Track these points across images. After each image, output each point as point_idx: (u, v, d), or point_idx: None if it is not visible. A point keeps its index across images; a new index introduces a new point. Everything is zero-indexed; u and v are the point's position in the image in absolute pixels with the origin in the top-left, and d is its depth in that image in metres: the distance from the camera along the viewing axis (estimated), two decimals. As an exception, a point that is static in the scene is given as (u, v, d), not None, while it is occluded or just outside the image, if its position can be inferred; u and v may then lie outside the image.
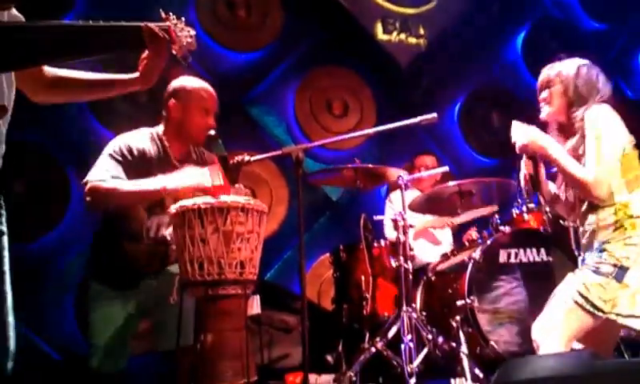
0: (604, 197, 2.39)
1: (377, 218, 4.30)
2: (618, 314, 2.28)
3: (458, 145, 6.08)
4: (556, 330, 2.33)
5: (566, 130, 2.55)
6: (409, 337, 3.44)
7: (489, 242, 3.70)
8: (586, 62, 2.59)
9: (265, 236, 2.42)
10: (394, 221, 3.79)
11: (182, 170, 2.61)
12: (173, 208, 2.31)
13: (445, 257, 4.06)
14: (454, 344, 3.51)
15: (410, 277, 3.64)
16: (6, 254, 1.85)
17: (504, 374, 1.75)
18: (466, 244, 4.09)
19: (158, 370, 2.90)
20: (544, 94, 2.61)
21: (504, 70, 6.30)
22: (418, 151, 4.97)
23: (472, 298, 3.55)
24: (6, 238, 1.86)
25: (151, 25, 2.03)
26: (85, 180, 2.59)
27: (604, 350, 2.48)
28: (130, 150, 2.67)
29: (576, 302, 2.32)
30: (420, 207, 4.08)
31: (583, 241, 2.51)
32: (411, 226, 3.82)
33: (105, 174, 2.58)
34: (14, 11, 1.88)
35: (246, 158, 2.76)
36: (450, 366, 3.48)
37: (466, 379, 3.30)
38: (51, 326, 4.37)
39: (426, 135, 5.76)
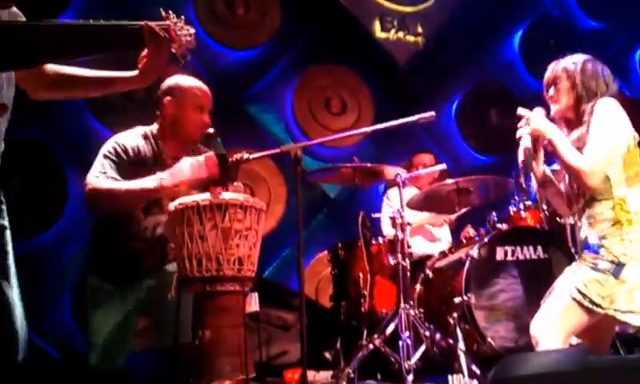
0: (596, 186, 2.39)
1: (375, 215, 4.31)
2: (616, 310, 2.29)
3: (455, 143, 6.09)
4: (554, 327, 2.34)
5: (573, 123, 2.55)
6: (406, 334, 3.45)
7: (486, 239, 3.71)
8: (589, 57, 2.59)
9: (263, 233, 2.43)
10: (392, 218, 3.80)
11: (179, 163, 2.62)
12: (171, 205, 2.32)
13: (442, 254, 4.07)
14: (451, 341, 3.52)
15: (408, 274, 3.65)
16: (10, 248, 1.87)
17: (501, 371, 1.76)
18: (464, 241, 4.11)
19: (156, 367, 2.90)
20: (551, 92, 2.60)
21: (502, 68, 6.32)
22: (416, 149, 4.99)
23: (469, 295, 3.56)
24: (8, 233, 1.88)
25: (151, 24, 2.04)
26: (84, 182, 2.61)
27: (601, 345, 2.50)
28: (125, 150, 2.68)
29: (574, 299, 2.33)
30: (418, 205, 4.09)
31: (580, 235, 2.52)
32: (409, 224, 3.83)
33: (102, 175, 2.60)
34: (15, 9, 1.89)
35: (245, 156, 2.76)
36: (448, 363, 3.49)
37: (464, 376, 3.31)
38: (49, 324, 4.37)
39: (424, 133, 5.77)
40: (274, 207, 5.19)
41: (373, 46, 5.81)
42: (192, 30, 2.12)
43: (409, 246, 3.76)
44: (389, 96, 5.83)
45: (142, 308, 2.71)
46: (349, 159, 3.76)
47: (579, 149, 2.45)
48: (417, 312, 3.60)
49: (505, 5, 6.22)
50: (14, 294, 1.84)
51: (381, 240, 4.11)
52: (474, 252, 3.64)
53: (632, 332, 3.29)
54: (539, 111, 2.59)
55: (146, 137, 2.78)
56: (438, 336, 3.54)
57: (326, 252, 4.47)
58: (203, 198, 2.27)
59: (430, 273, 4.01)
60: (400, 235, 3.68)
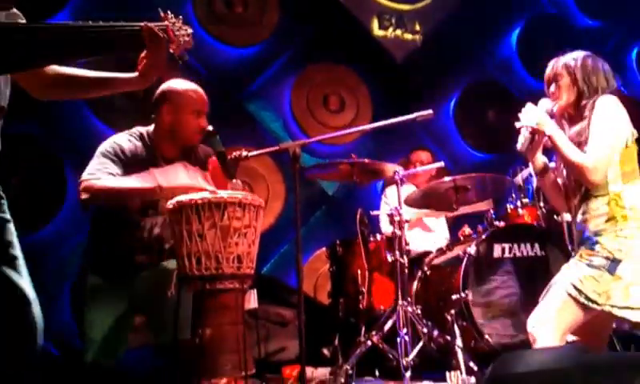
0: (598, 183, 2.41)
1: (373, 213, 4.33)
2: (613, 306, 2.30)
3: (453, 140, 6.11)
4: (551, 323, 2.35)
5: (575, 119, 2.56)
6: (404, 330, 3.46)
7: (484, 236, 3.73)
8: (590, 53, 2.61)
9: (261, 230, 2.44)
10: (390, 216, 3.82)
11: (174, 168, 2.62)
12: (170, 203, 2.33)
13: (440, 251, 4.09)
14: (448, 337, 3.54)
15: (406, 271, 3.67)
16: (15, 240, 1.89)
17: (498, 368, 1.78)
18: (461, 239, 4.12)
19: (154, 364, 2.91)
20: (552, 89, 2.61)
21: (499, 66, 6.33)
22: (414, 147, 5.00)
23: (467, 292, 3.58)
24: (11, 225, 1.90)
25: (150, 24, 2.05)
26: (80, 179, 2.62)
27: (598, 342, 2.51)
28: (122, 150, 2.68)
29: (570, 295, 2.34)
30: (415, 202, 4.11)
31: (576, 231, 2.53)
32: (407, 221, 3.84)
33: (98, 172, 2.60)
34: (14, 10, 1.90)
35: (244, 153, 2.77)
36: (445, 359, 3.50)
37: (461, 372, 3.33)
38: (49, 321, 4.36)
39: (422, 131, 5.79)
40: (272, 204, 5.21)
41: (371, 44, 5.83)
42: (190, 30, 2.13)
43: (407, 243, 3.78)
44: (387, 94, 5.84)
45: (139, 305, 2.71)
46: (347, 157, 3.77)
47: (579, 143, 2.46)
48: (415, 309, 3.62)
49: (502, 3, 6.24)
50: (26, 284, 1.86)
51: (379, 237, 4.13)
52: (472, 249, 3.66)
53: (628, 328, 3.30)
54: (544, 103, 2.60)
55: (142, 138, 2.78)
56: (435, 333, 3.55)
57: (324, 249, 4.49)
58: (202, 196, 2.29)
59: (427, 270, 4.03)
60: (398, 232, 3.70)
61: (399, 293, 3.57)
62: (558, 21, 6.36)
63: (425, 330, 3.54)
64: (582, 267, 2.37)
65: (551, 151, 2.63)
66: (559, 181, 2.65)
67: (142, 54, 2.14)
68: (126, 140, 2.74)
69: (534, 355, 1.98)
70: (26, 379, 1.88)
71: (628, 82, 6.40)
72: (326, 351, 4.03)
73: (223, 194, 2.30)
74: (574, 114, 2.57)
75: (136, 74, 2.18)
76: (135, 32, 2.02)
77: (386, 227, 4.43)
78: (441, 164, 4.36)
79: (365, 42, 5.81)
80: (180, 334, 2.37)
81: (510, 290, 3.62)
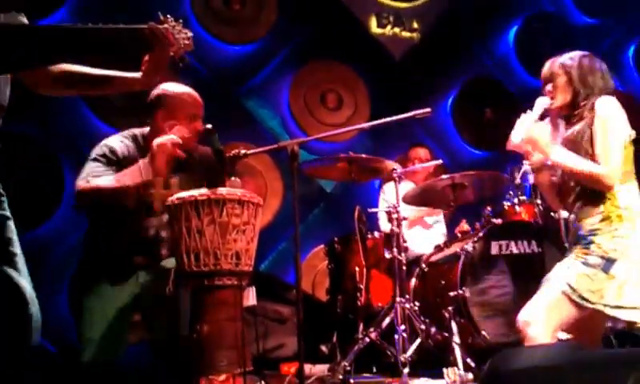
0: (614, 186, 2.42)
1: (371, 210, 4.34)
2: (605, 305, 2.31)
3: (451, 137, 6.12)
4: (542, 319, 2.35)
5: (572, 119, 2.55)
6: (402, 327, 3.48)
7: (481, 233, 3.74)
8: (586, 53, 2.61)
9: (259, 227, 2.45)
10: (388, 213, 3.83)
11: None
12: (169, 200, 2.34)
13: (438, 248, 4.10)
14: (446, 334, 3.55)
15: (404, 268, 3.68)
16: (15, 237, 1.91)
17: (495, 365, 1.79)
18: (459, 236, 4.14)
19: (152, 361, 2.92)
20: (548, 87, 2.60)
21: (497, 63, 6.34)
22: (412, 144, 5.01)
23: (464, 289, 3.59)
24: (11, 223, 1.91)
25: (153, 26, 2.06)
26: (74, 186, 2.63)
27: (592, 339, 2.51)
28: (114, 152, 2.68)
29: (563, 293, 2.34)
30: (413, 199, 4.12)
31: (572, 228, 2.54)
32: (405, 219, 3.85)
33: (89, 176, 2.60)
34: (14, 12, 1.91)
35: (242, 151, 2.77)
36: (443, 356, 3.52)
37: (458, 368, 3.34)
38: (46, 318, 4.37)
39: (420, 128, 5.80)
40: (270, 201, 5.21)
41: (369, 42, 5.84)
42: (190, 34, 2.15)
43: (404, 241, 3.79)
44: (385, 91, 5.85)
45: (137, 303, 2.71)
46: (345, 154, 3.78)
47: (579, 144, 2.46)
48: (412, 306, 3.63)
49: (499, 0, 6.24)
50: (25, 282, 1.87)
51: (377, 234, 4.14)
52: (469, 246, 3.68)
53: (621, 327, 3.32)
54: (541, 101, 2.60)
55: (135, 139, 2.77)
56: (433, 329, 3.57)
57: (322, 246, 4.50)
58: (201, 192, 2.29)
59: (425, 267, 4.04)
60: (396, 230, 3.71)
61: (397, 290, 3.59)
62: (556, 18, 6.37)
63: (422, 327, 3.56)
64: (577, 265, 2.38)
65: None
66: (554, 179, 2.66)
67: (145, 57, 2.16)
68: (117, 142, 2.73)
69: (530, 352, 1.99)
70: (23, 376, 1.89)
71: (625, 80, 6.41)
72: (324, 348, 4.04)
73: (222, 190, 2.31)
74: (570, 114, 2.57)
75: (139, 74, 2.19)
76: (139, 33, 2.03)
77: (384, 224, 4.44)
78: (439, 161, 4.38)
79: (363, 40, 5.82)
80: (178, 331, 2.38)
81: (508, 288, 3.63)
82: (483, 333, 3.53)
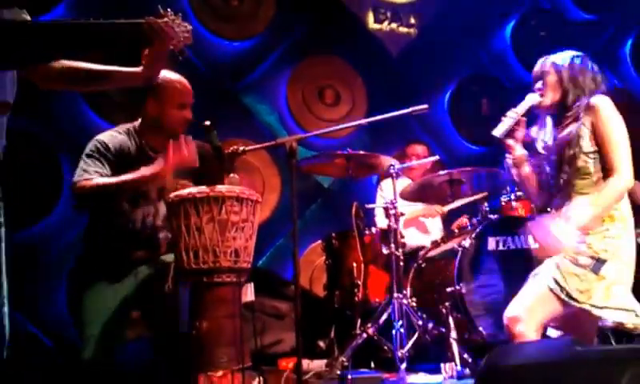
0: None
1: (368, 206, 4.35)
2: (592, 306, 2.33)
3: (448, 133, 6.12)
4: (528, 313, 2.37)
5: (564, 118, 2.56)
6: (399, 322, 3.50)
7: (478, 229, 3.76)
8: (579, 53, 2.61)
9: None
10: (385, 209, 3.84)
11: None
12: (169, 197, 2.35)
13: (435, 244, 4.12)
14: (443, 329, 3.58)
15: (401, 264, 3.70)
16: (3, 245, 1.87)
17: (491, 361, 1.80)
18: (456, 231, 4.15)
19: (150, 356, 2.93)
20: (538, 85, 2.61)
21: (494, 59, 6.35)
22: (410, 140, 5.02)
23: (461, 284, 3.61)
24: (3, 230, 1.89)
25: (153, 20, 2.06)
26: (71, 183, 2.63)
27: (584, 336, 2.52)
28: (107, 148, 2.68)
29: (551, 290, 2.36)
30: (411, 195, 4.13)
31: None
32: (402, 214, 3.87)
33: (85, 173, 2.60)
34: (16, 8, 1.91)
35: (241, 148, 2.78)
36: (440, 351, 3.55)
37: (456, 364, 3.37)
38: (44, 313, 4.39)
39: (417, 124, 5.80)
40: (267, 197, 5.21)
41: (366, 38, 5.84)
42: (189, 27, 2.15)
43: (402, 237, 3.80)
44: (382, 87, 5.85)
45: (136, 300, 2.72)
46: (342, 150, 3.79)
47: (575, 145, 2.45)
48: (410, 301, 3.65)
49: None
50: (3, 291, 1.85)
51: (374, 230, 4.16)
52: (466, 242, 3.69)
53: (609, 327, 3.32)
54: (531, 97, 2.60)
55: (128, 133, 2.77)
56: (430, 325, 3.59)
57: (319, 242, 4.51)
58: (200, 190, 2.30)
59: (422, 262, 4.06)
60: (393, 225, 3.72)
61: (394, 285, 3.60)
62: (553, 14, 6.37)
63: (420, 322, 3.58)
64: (567, 264, 2.38)
65: (530, 147, 2.66)
66: (536, 177, 2.65)
67: (145, 51, 2.16)
68: (108, 136, 2.73)
69: (527, 348, 2.00)
70: None
71: (622, 76, 6.41)
72: (321, 343, 4.06)
73: (221, 188, 2.32)
74: (559, 114, 2.57)
75: (140, 68, 2.20)
76: (138, 28, 2.03)
77: (381, 220, 4.45)
78: (436, 158, 4.39)
79: (360, 36, 5.81)
80: (178, 328, 2.39)
81: (505, 283, 3.65)
82: (480, 328, 3.55)
